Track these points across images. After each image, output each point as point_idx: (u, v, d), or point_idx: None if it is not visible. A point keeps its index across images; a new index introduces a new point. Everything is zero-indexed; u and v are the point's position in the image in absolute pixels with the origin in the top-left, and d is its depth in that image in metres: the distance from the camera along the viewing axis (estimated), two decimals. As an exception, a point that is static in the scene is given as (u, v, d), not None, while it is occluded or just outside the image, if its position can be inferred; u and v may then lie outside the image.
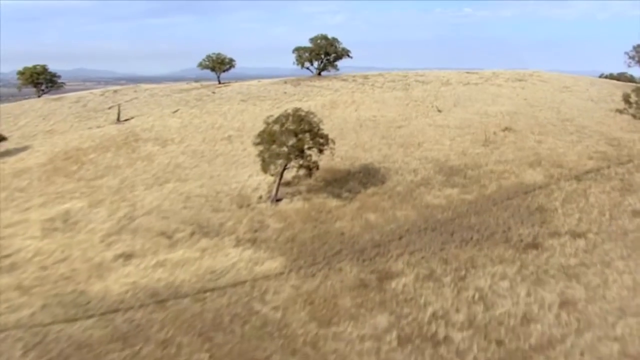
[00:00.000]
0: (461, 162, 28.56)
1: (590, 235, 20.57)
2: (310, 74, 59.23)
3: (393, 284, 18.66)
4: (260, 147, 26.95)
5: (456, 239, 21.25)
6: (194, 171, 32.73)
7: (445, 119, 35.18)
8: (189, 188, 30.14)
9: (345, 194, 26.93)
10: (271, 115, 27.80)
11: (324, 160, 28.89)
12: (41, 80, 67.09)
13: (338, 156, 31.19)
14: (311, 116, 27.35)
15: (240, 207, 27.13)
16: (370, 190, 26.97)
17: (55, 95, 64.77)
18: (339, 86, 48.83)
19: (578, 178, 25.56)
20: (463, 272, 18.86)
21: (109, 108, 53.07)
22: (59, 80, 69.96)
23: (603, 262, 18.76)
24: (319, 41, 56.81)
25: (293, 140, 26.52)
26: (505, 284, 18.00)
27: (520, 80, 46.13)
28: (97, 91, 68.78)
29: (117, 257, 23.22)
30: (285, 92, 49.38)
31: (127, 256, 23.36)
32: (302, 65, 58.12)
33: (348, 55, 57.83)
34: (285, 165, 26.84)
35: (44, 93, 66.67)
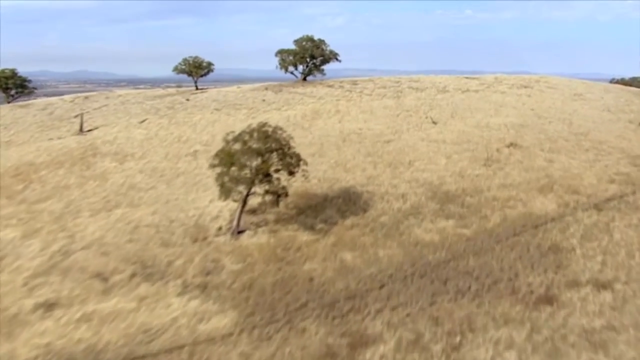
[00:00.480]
0: (458, 185, 25.07)
1: (618, 286, 17.04)
2: (296, 78, 55.86)
3: (368, 355, 15.03)
4: (218, 170, 23.41)
5: (450, 288, 17.68)
6: (150, 194, 29.26)
7: (440, 133, 31.73)
8: (140, 215, 26.64)
9: (320, 225, 23.43)
10: (232, 132, 24.28)
11: (298, 183, 25.49)
12: (10, 86, 63.75)
13: (315, 177, 27.78)
14: (280, 132, 23.87)
15: (195, 240, 23.63)
16: (350, 220, 23.45)
17: (24, 102, 61.84)
18: (324, 93, 45.42)
19: (598, 207, 22.06)
20: (458, 338, 15.27)
21: (75, 117, 49.88)
22: (30, 85, 66.79)
23: (637, 324, 15.17)
24: (304, 43, 53.47)
25: (257, 162, 23.04)
26: (512, 356, 14.40)
27: (525, 86, 42.82)
28: (68, 97, 65.64)
29: (37, 307, 19.59)
30: (264, 100, 45.97)
31: (50, 306, 19.72)
32: (286, 70, 54.75)
33: (336, 59, 54.52)
34: (249, 191, 23.35)
35: (14, 99, 63.52)
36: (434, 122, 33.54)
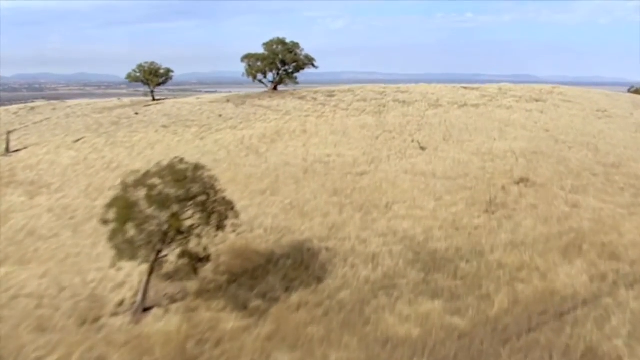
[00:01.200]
0: (450, 243, 19.25)
1: None
2: (265, 87, 50.03)
3: None
4: (112, 226, 17.47)
5: None
6: (48, 245, 23.53)
7: (429, 163, 25.93)
8: (26, 278, 20.88)
9: (256, 302, 17.65)
10: (136, 171, 18.35)
11: (236, 235, 19.84)
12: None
13: (261, 226, 22.15)
14: (201, 172, 18.02)
15: (82, 323, 17.74)
16: (297, 295, 17.61)
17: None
18: (293, 107, 39.66)
19: (649, 282, 16.18)
20: None
21: (9, 133, 44.39)
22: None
23: None
24: (274, 47, 47.71)
25: (166, 215, 17.14)
26: None
27: (537, 100, 37.15)
28: (14, 108, 60.43)
29: None
30: (220, 115, 40.20)
31: None
32: (254, 78, 48.93)
33: (312, 65, 48.78)
34: (157, 254, 17.50)
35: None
36: (422, 148, 27.73)
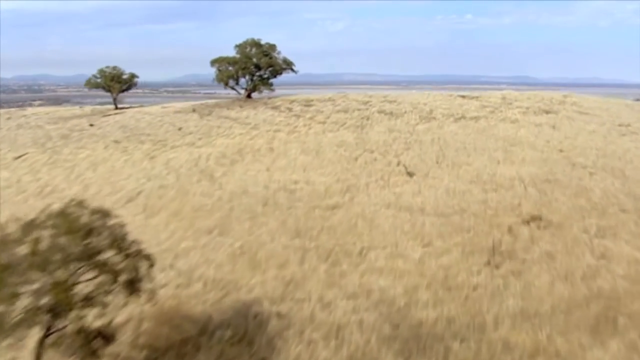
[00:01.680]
0: (441, 311, 15.01)
1: None
2: (238, 95, 45.78)
3: None
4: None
5: None
6: None
7: (418, 194, 21.69)
8: None
9: (174, 398, 13.26)
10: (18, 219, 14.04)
11: (169, 290, 15.76)
12: None
13: (201, 278, 17.91)
14: (102, 221, 13.85)
15: None
16: (231, 390, 13.26)
17: None
18: (264, 118, 35.46)
19: None
20: None
21: None
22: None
23: None
24: (247, 49, 43.52)
25: (54, 278, 12.97)
26: None
27: (547, 111, 33.03)
28: (-31, 115, 56.20)
29: None
30: (180, 129, 35.97)
31: None
32: (226, 84, 44.68)
33: (291, 69, 44.58)
34: (46, 332, 13.32)
35: None
36: (410, 174, 23.49)
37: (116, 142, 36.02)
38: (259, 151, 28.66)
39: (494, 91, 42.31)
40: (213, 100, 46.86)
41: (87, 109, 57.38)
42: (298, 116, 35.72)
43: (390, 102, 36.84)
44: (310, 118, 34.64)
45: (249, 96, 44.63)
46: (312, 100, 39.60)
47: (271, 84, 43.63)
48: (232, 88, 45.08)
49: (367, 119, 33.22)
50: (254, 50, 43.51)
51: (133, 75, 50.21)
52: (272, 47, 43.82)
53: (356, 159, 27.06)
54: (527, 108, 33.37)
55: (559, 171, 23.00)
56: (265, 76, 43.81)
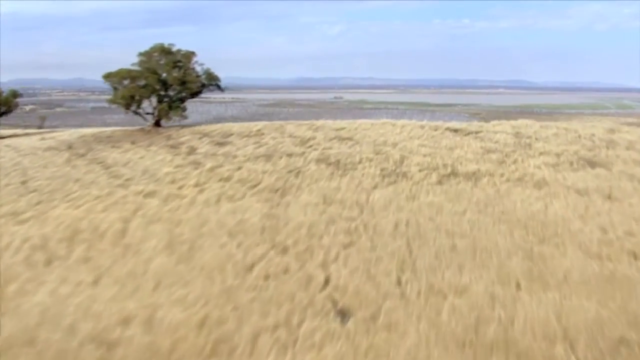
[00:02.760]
0: None
1: None
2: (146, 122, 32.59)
3: None
4: None
5: None
6: None
7: None
8: None
9: None
10: None
11: None
12: None
13: None
14: None
15: None
16: None
17: None
18: (145, 167, 22.74)
19: None
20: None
21: None
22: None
23: None
24: (155, 56, 30.49)
25: None
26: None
27: (592, 162, 19.59)
28: None
29: None
30: (24, 182, 23.00)
31: None
32: (126, 108, 31.62)
33: (217, 86, 31.52)
34: None
35: None
36: (343, 316, 10.27)
37: None
38: (102, 238, 15.71)
39: (500, 120, 29.07)
40: (113, 129, 33.76)
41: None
42: (197, 164, 22.68)
43: (344, 139, 23.72)
44: (212, 169, 21.59)
45: (157, 124, 31.62)
46: (230, 135, 26.52)
47: (183, 109, 30.66)
48: (135, 112, 32.08)
49: (297, 174, 20.14)
50: (162, 59, 30.61)
51: (15, 93, 37.12)
52: (187, 55, 30.87)
53: (251, 267, 13.93)
54: (558, 156, 20.12)
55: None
56: (178, 97, 30.83)
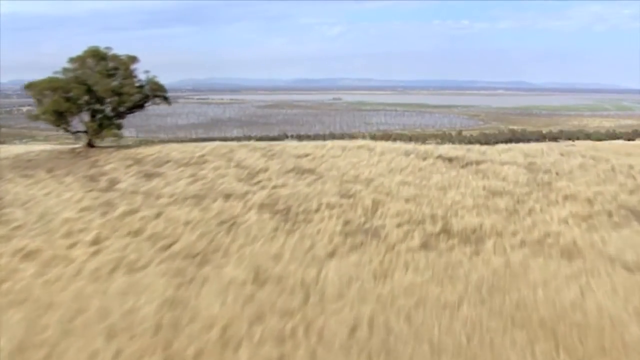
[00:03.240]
0: None
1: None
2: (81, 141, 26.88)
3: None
4: None
5: None
6: None
7: None
8: None
9: None
10: None
11: None
12: None
13: None
14: None
15: None
16: None
17: None
18: (42, 213, 16.69)
19: None
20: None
21: None
22: None
23: None
24: (89, 62, 24.81)
25: None
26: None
27: (635, 212, 13.92)
28: None
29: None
30: None
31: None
32: (55, 125, 25.97)
33: (163, 98, 25.85)
34: None
35: None
36: None
37: None
38: None
39: (509, 144, 23.24)
40: (42, 149, 28.05)
41: None
42: (109, 206, 17.02)
43: (304, 172, 17.99)
44: (122, 216, 15.95)
45: (90, 144, 25.95)
46: (166, 163, 20.83)
47: (117, 127, 25.02)
48: (66, 130, 26.45)
49: (230, 228, 14.46)
50: (95, 66, 25.01)
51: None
52: (125, 61, 25.19)
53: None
54: (591, 202, 13.80)
55: None
56: (116, 112, 25.20)
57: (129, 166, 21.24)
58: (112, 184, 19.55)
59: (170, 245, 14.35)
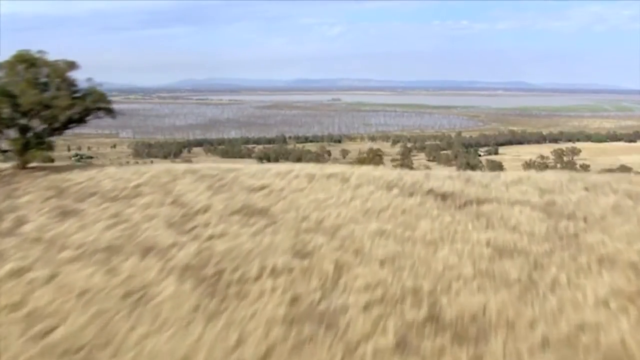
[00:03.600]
0: None
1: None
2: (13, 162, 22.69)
3: None
4: None
5: None
6: None
7: None
8: None
9: None
10: None
11: None
12: None
13: None
14: None
15: None
16: None
17: None
18: None
19: None
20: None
21: None
22: None
23: None
24: (18, 68, 20.67)
25: None
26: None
27: None
28: None
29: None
30: None
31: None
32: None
33: (107, 111, 21.71)
34: None
35: None
36: None
37: None
38: None
39: (519, 174, 19.04)
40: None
41: None
42: (0, 258, 12.90)
43: (254, 213, 13.87)
44: (5, 279, 11.82)
45: (23, 166, 21.82)
46: (92, 196, 16.75)
47: (48, 147, 20.90)
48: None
49: (133, 308, 10.34)
50: (25, 72, 20.91)
51: None
52: (59, 69, 21.09)
53: None
54: (637, 268, 10.34)
55: None
56: (49, 130, 21.09)
57: (48, 199, 17.06)
58: (18, 224, 15.40)
59: (49, 332, 10.15)
